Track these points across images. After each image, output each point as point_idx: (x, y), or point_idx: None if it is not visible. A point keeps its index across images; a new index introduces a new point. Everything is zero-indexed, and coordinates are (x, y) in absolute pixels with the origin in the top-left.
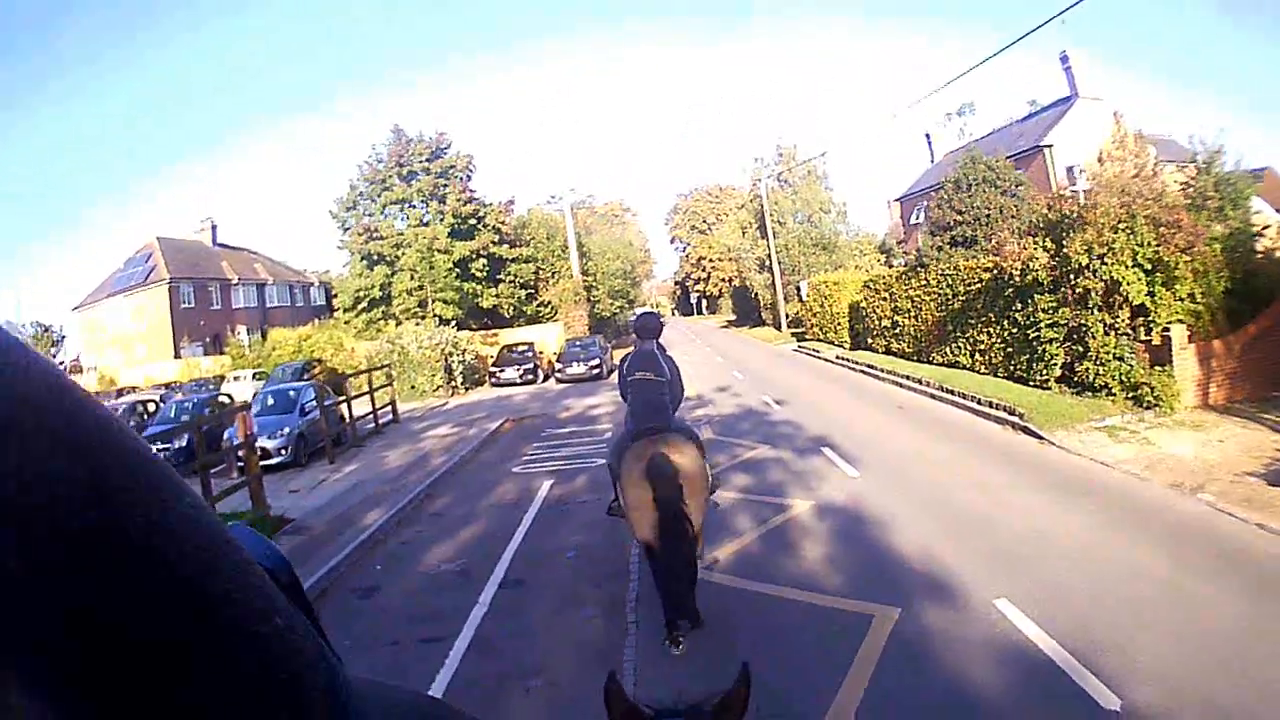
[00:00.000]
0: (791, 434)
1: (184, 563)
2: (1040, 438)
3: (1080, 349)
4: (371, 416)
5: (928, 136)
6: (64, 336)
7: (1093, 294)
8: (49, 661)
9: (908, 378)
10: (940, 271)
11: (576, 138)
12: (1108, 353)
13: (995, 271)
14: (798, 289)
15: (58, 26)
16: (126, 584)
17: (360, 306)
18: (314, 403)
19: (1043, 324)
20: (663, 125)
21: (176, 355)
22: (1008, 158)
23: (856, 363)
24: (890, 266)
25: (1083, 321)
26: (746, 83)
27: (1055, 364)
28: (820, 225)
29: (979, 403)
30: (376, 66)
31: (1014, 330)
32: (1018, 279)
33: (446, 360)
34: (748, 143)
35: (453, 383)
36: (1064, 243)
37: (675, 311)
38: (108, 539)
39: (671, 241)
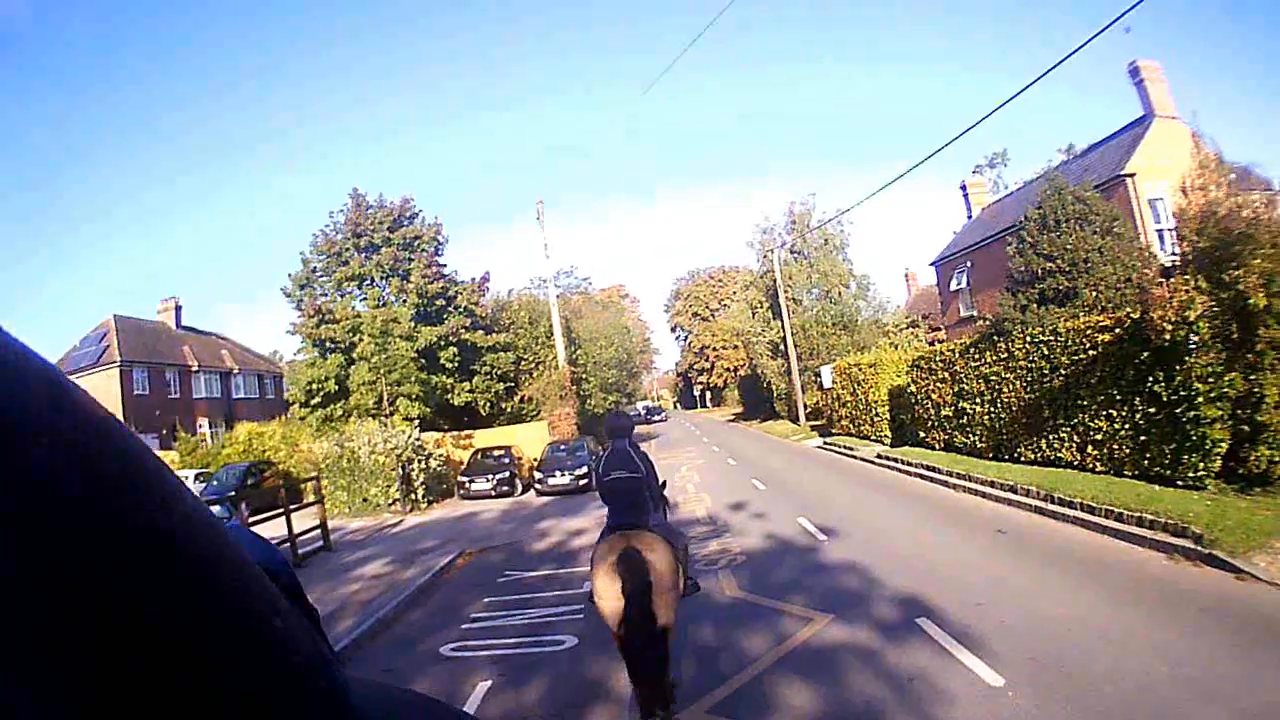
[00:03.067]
0: (861, 590)
1: (184, 564)
2: (1236, 570)
3: (1247, 428)
4: (289, 546)
5: (963, 188)
6: None
7: (1275, 346)
8: (48, 662)
9: (993, 484)
10: (1031, 338)
11: (568, 219)
12: None
13: (1123, 330)
14: (817, 375)
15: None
16: (125, 585)
17: (314, 401)
18: None
19: (1199, 396)
20: (666, 204)
21: None
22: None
23: (908, 463)
24: (932, 344)
25: (1255, 388)
26: (751, 153)
27: (1216, 452)
28: (840, 302)
29: (1121, 519)
30: (348, 139)
31: (1152, 409)
32: (1168, 335)
33: (404, 467)
34: (752, 213)
35: (412, 495)
36: (1226, 277)
37: (677, 405)
38: (107, 541)
39: (673, 330)
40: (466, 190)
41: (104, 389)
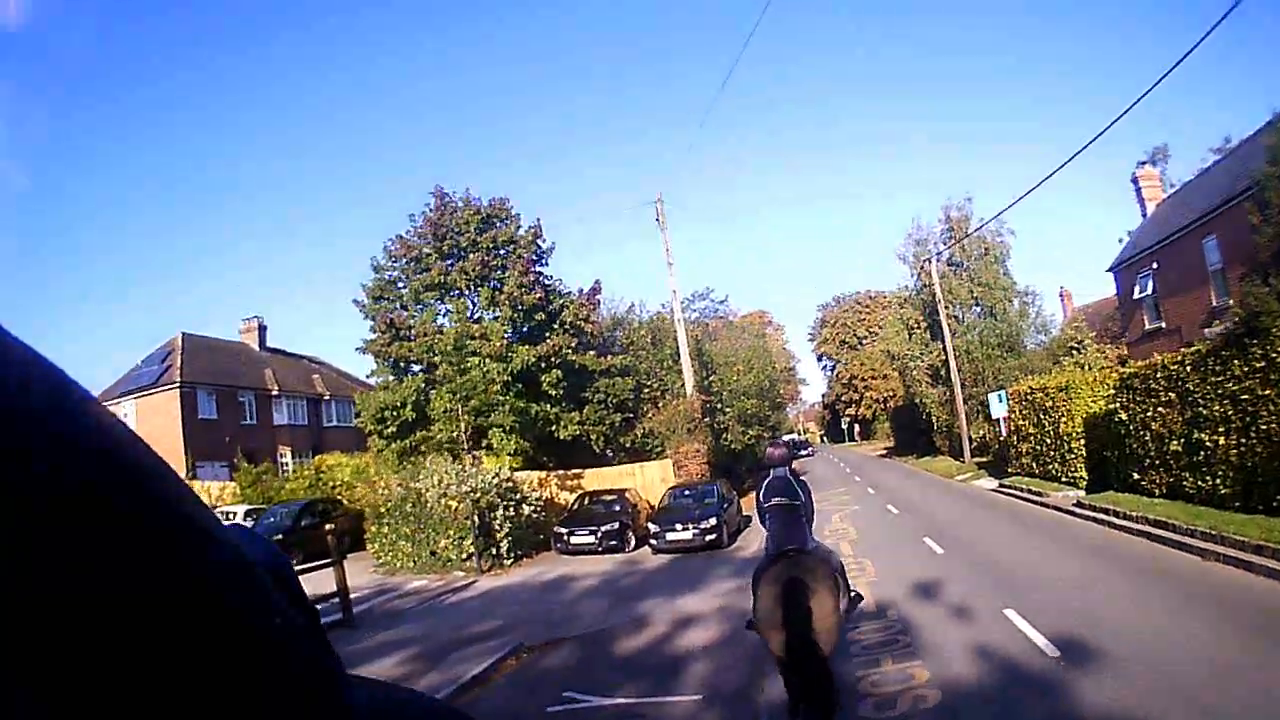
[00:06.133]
0: None
1: (183, 563)
2: None
3: None
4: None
5: (1135, 182)
6: None
7: None
8: (42, 655)
9: (1260, 549)
10: None
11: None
12: None
13: None
14: (983, 404)
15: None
16: (124, 581)
17: (389, 430)
18: None
19: None
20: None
21: (191, 475)
22: None
23: (1124, 515)
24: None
25: None
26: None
27: None
28: (1004, 319)
29: None
30: (454, 148)
31: None
32: None
33: (481, 515)
34: (901, 223)
35: (493, 549)
36: None
37: (824, 438)
38: (106, 541)
39: (819, 360)
40: (581, 205)
41: (162, 411)
